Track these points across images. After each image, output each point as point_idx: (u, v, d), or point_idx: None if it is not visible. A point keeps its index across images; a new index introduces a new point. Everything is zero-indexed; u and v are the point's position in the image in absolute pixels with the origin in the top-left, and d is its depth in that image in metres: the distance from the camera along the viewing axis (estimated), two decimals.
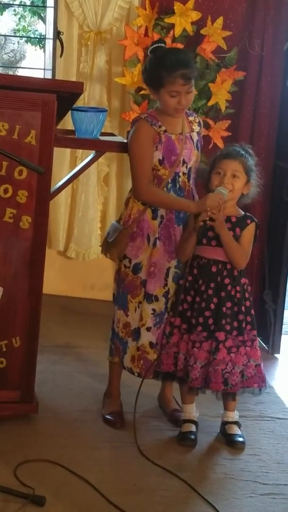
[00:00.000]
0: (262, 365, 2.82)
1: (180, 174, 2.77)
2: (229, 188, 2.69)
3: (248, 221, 2.75)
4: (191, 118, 2.83)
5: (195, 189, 2.85)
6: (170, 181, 2.76)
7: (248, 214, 2.79)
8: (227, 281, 2.73)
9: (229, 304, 2.72)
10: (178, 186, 2.77)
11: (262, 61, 3.82)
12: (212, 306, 2.72)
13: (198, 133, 2.83)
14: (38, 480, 2.44)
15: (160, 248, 2.78)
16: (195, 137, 2.81)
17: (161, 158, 2.74)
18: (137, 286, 2.81)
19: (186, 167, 2.76)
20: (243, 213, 2.79)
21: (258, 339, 2.86)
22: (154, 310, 2.80)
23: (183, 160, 2.75)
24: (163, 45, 2.76)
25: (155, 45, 2.74)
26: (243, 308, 2.74)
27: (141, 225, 2.79)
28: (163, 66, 2.63)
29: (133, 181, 2.80)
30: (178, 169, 2.76)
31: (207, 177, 2.76)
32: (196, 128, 2.82)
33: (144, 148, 2.73)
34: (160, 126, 2.75)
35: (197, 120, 2.85)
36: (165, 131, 2.74)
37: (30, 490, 2.37)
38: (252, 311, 2.79)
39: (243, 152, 2.75)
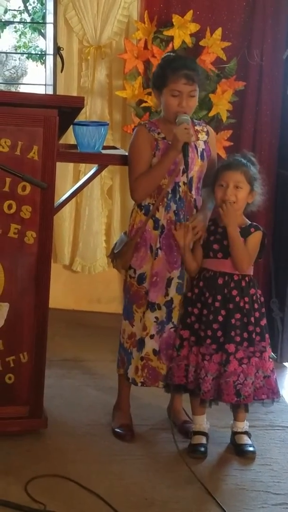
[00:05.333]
0: (273, 377, 2.79)
1: (180, 183, 2.76)
2: (233, 200, 2.69)
3: (252, 229, 2.74)
4: (198, 127, 2.83)
5: (200, 199, 2.84)
6: (170, 191, 2.76)
7: (253, 223, 2.78)
8: (234, 292, 2.71)
9: (238, 316, 2.71)
10: (178, 196, 2.77)
11: (262, 71, 3.84)
12: (220, 318, 2.71)
13: (205, 142, 2.81)
14: (49, 495, 2.43)
15: (162, 258, 2.78)
16: (201, 146, 2.80)
17: None
18: (142, 296, 2.81)
19: (187, 176, 2.76)
20: (249, 223, 2.77)
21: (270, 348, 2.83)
22: (156, 318, 2.80)
23: (183, 169, 2.74)
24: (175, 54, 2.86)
25: (167, 53, 2.83)
26: (252, 319, 2.71)
27: (144, 235, 2.80)
28: (169, 66, 2.71)
29: (129, 185, 2.82)
30: (178, 179, 2.76)
31: (211, 189, 2.76)
32: (203, 137, 2.82)
33: (139, 152, 2.76)
34: (159, 133, 2.76)
35: (205, 130, 2.84)
36: (163, 138, 2.75)
37: (41, 506, 2.36)
38: (262, 322, 2.76)
39: (244, 162, 2.74)
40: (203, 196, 2.83)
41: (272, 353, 2.91)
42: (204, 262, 2.76)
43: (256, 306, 2.75)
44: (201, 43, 3.73)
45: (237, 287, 2.72)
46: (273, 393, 2.79)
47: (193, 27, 3.72)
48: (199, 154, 2.78)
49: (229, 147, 3.75)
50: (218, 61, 3.74)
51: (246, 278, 2.74)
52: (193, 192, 2.79)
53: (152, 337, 2.80)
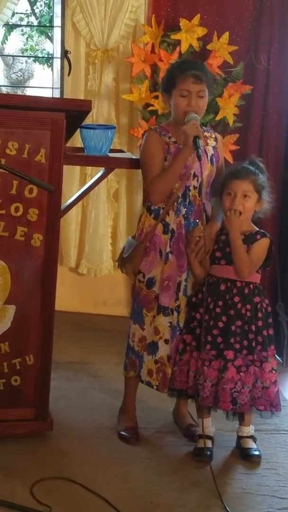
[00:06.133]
0: (274, 389, 2.73)
1: (191, 188, 2.77)
2: (240, 209, 2.68)
3: (258, 236, 2.72)
4: (207, 134, 2.84)
5: (209, 204, 2.84)
6: (180, 196, 2.77)
7: (260, 230, 2.75)
8: (236, 299, 2.69)
9: (239, 323, 2.68)
10: (188, 200, 2.78)
11: (268, 75, 3.85)
12: (221, 324, 2.69)
13: (214, 147, 2.83)
14: (54, 498, 2.43)
15: (173, 262, 2.78)
16: (210, 151, 2.81)
17: None
18: (152, 300, 2.82)
19: (197, 180, 2.76)
20: (256, 229, 2.75)
21: (276, 358, 2.80)
22: (170, 323, 2.80)
23: (194, 173, 2.76)
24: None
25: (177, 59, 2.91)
26: (253, 327, 2.69)
27: (154, 240, 2.80)
28: (178, 68, 2.75)
29: (145, 189, 2.82)
30: (188, 183, 2.77)
31: (219, 196, 2.75)
32: (211, 143, 2.83)
33: (152, 155, 2.76)
34: (170, 137, 2.76)
35: (214, 136, 2.86)
36: (174, 142, 2.76)
37: (47, 509, 2.36)
38: (265, 332, 2.72)
39: (253, 170, 2.72)
40: (213, 205, 2.84)
41: (278, 356, 2.87)
42: (211, 268, 2.76)
43: (259, 314, 2.71)
44: (208, 47, 3.74)
45: (239, 294, 2.70)
46: (272, 406, 2.74)
47: (200, 31, 3.73)
48: (208, 159, 2.79)
49: (236, 151, 3.76)
50: (225, 65, 3.75)
51: (251, 286, 2.72)
52: (202, 196, 2.80)
53: (167, 342, 2.80)
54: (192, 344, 2.76)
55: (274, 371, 2.75)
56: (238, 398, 2.68)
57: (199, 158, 2.65)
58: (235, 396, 2.68)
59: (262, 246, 2.72)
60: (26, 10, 9.75)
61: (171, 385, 2.81)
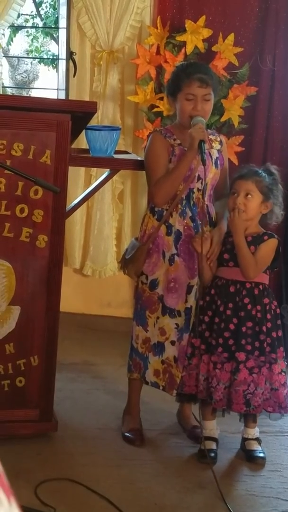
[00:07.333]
0: (283, 391, 2.72)
1: (195, 190, 2.77)
2: (241, 208, 2.68)
3: (266, 237, 2.71)
4: (212, 137, 2.84)
5: (212, 207, 2.84)
6: (184, 198, 2.77)
7: (268, 232, 2.75)
8: (246, 300, 2.69)
9: (249, 324, 2.68)
10: (192, 202, 2.78)
11: (274, 76, 3.84)
12: (232, 326, 2.69)
13: (218, 151, 2.83)
14: (59, 499, 2.43)
15: (181, 264, 2.77)
16: (215, 154, 2.81)
17: None
18: (155, 301, 2.82)
19: (201, 183, 2.77)
20: (263, 231, 2.74)
21: (284, 361, 2.79)
22: (177, 324, 2.79)
23: (198, 176, 2.76)
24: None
25: (182, 61, 2.90)
26: (264, 328, 2.68)
27: (157, 241, 2.80)
28: (183, 71, 2.75)
29: (148, 190, 2.82)
30: (192, 185, 2.77)
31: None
32: (216, 146, 2.83)
33: (157, 157, 2.76)
34: (174, 139, 2.77)
35: (219, 139, 2.86)
36: (179, 144, 2.76)
37: (51, 510, 2.36)
38: (274, 334, 2.71)
39: (258, 171, 2.72)
40: (217, 209, 2.84)
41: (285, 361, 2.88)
42: (218, 270, 2.76)
43: (269, 316, 2.71)
44: (214, 48, 3.73)
45: (249, 295, 2.70)
46: (281, 408, 2.73)
47: (206, 33, 3.72)
48: (213, 162, 2.80)
49: (241, 152, 3.75)
50: (230, 67, 3.74)
51: (260, 287, 2.71)
52: (206, 198, 2.79)
53: (173, 343, 2.80)
54: (201, 348, 2.75)
55: (283, 373, 2.75)
56: (252, 399, 2.67)
57: (204, 163, 2.65)
58: (248, 398, 2.67)
59: (269, 246, 2.71)
60: (32, 12, 9.77)
61: (180, 390, 2.80)
